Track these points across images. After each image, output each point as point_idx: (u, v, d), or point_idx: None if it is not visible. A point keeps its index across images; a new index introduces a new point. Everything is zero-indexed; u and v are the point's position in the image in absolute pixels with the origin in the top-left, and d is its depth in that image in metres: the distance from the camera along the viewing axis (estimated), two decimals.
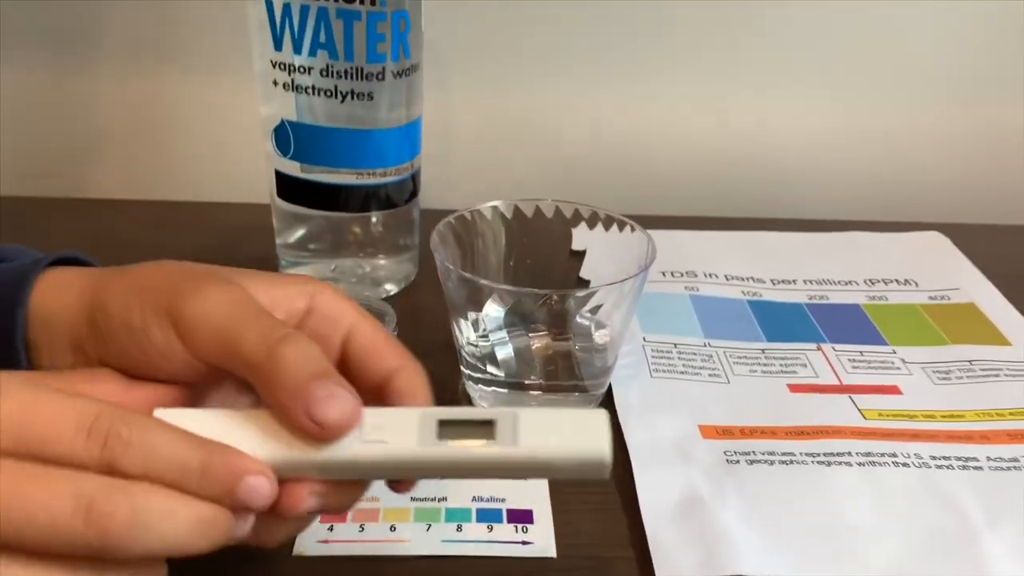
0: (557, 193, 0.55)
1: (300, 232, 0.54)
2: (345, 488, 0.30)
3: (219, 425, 0.29)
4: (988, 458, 0.43)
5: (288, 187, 0.52)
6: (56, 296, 0.31)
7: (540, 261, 0.49)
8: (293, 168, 0.51)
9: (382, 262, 0.56)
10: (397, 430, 0.29)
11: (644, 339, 0.51)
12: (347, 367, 0.31)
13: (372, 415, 0.29)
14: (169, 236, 0.62)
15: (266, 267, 0.55)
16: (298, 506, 0.28)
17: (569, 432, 0.29)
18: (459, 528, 0.38)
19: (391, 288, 0.56)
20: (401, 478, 0.32)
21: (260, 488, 0.27)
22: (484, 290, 0.41)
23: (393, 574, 0.36)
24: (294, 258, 0.55)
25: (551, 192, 0.63)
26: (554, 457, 0.29)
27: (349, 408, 0.28)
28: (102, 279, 0.31)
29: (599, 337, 0.43)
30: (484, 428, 0.29)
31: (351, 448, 0.29)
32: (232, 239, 0.62)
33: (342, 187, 0.51)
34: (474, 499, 0.39)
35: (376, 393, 0.31)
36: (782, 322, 0.54)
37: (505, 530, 0.38)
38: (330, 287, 0.33)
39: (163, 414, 0.29)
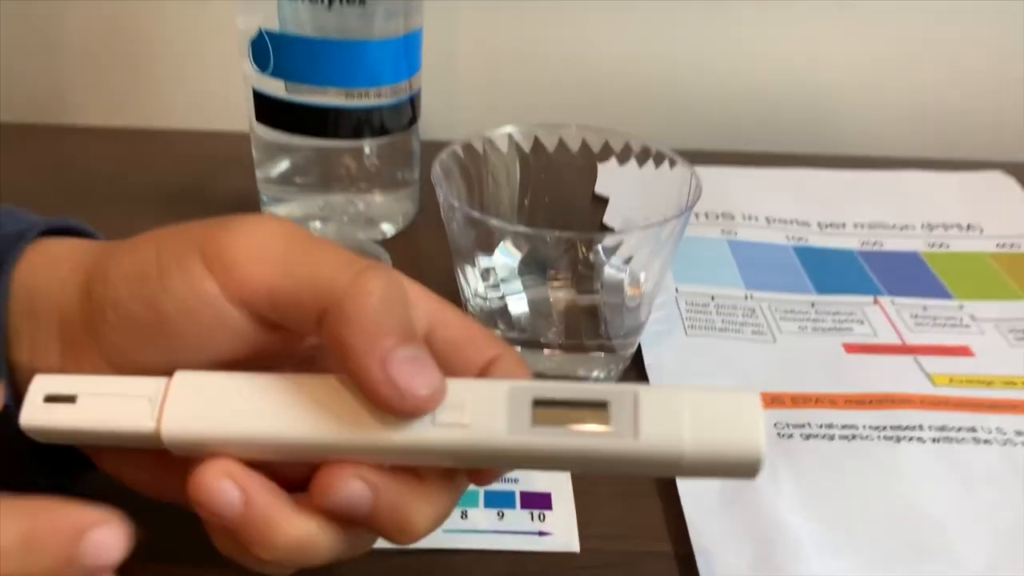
0: (580, 119, 0.48)
1: (284, 164, 0.47)
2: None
3: (243, 393, 0.23)
4: None
5: (268, 110, 0.45)
6: (45, 271, 0.24)
7: (561, 201, 0.42)
8: (274, 87, 0.44)
9: (377, 199, 0.49)
10: (482, 410, 0.23)
11: (677, 290, 0.45)
12: None
13: (450, 388, 0.23)
14: (139, 167, 0.55)
15: (246, 204, 0.50)
16: (333, 491, 0.22)
17: (708, 418, 0.23)
18: (464, 515, 0.32)
19: (388, 229, 0.49)
20: (483, 468, 0.25)
21: (107, 543, 0.19)
22: (495, 232, 0.34)
23: (382, 570, 0.30)
24: (277, 194, 0.48)
25: (572, 117, 0.57)
26: (688, 453, 0.22)
27: (437, 386, 0.22)
28: (108, 247, 0.25)
29: (631, 291, 0.37)
30: (594, 412, 0.23)
31: (419, 431, 0.23)
32: (208, 171, 0.55)
33: (330, 109, 0.44)
34: None
35: None
36: (833, 271, 0.48)
37: (518, 518, 0.32)
38: (391, 267, 0.26)
39: (183, 377, 0.23)
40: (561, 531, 0.31)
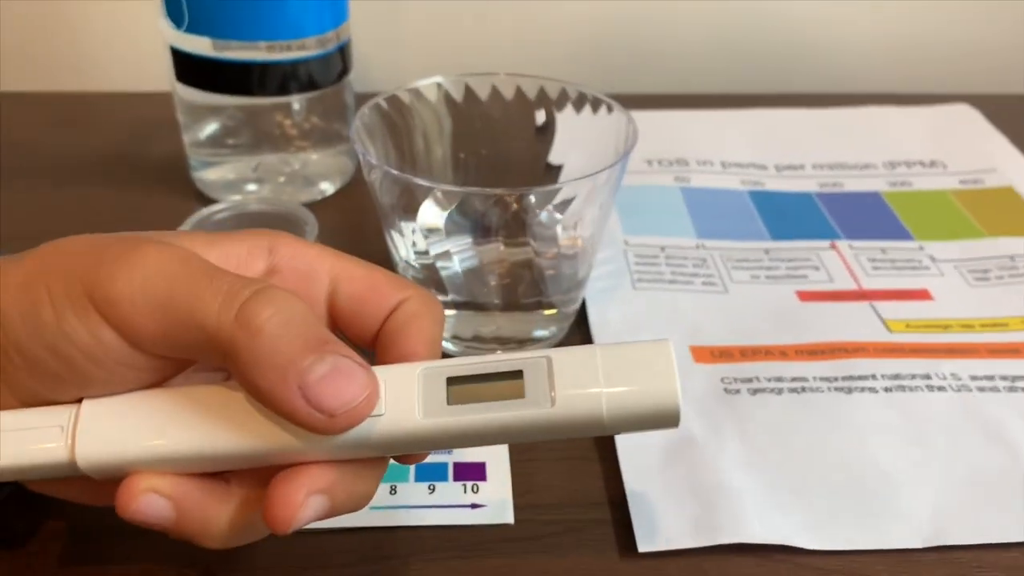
0: (523, 70, 0.45)
1: (212, 126, 0.45)
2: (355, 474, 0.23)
3: (151, 413, 0.22)
4: None
5: (188, 68, 0.42)
6: None
7: (498, 153, 0.40)
8: (194, 44, 0.41)
9: (313, 157, 0.47)
10: (396, 396, 0.22)
11: (626, 242, 0.43)
12: (338, 324, 0.25)
13: None
14: (63, 133, 0.53)
15: (176, 170, 0.48)
16: (293, 515, 0.22)
17: (622, 375, 0.22)
18: (393, 490, 0.30)
19: (327, 188, 0.47)
20: (404, 454, 0.24)
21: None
22: (419, 191, 0.32)
23: (303, 555, 0.28)
24: (207, 157, 0.46)
25: (516, 69, 0.54)
26: (607, 412, 0.22)
27: (365, 385, 0.21)
28: None
29: (567, 242, 0.35)
30: (509, 383, 0.22)
31: None
32: (134, 136, 0.52)
33: (253, 64, 0.41)
34: None
35: (375, 338, 0.24)
36: (789, 216, 0.46)
37: (451, 490, 0.30)
38: (289, 235, 0.25)
39: (90, 405, 0.22)
40: (495, 503, 0.30)
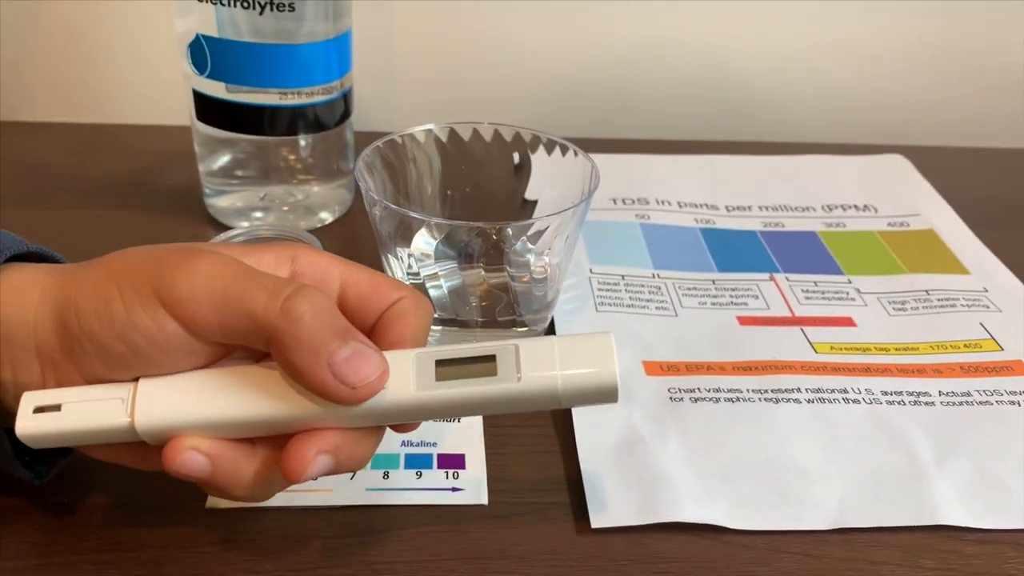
0: (505, 114, 0.51)
1: (225, 158, 0.51)
2: (356, 440, 0.28)
3: (197, 387, 0.28)
4: (940, 392, 0.42)
5: (208, 109, 0.48)
6: (14, 302, 0.28)
7: (481, 188, 0.46)
8: (213, 88, 0.47)
9: (315, 189, 0.52)
10: (394, 375, 0.28)
11: (591, 270, 0.49)
12: (345, 316, 0.29)
13: None
14: (87, 161, 0.58)
15: (189, 197, 0.53)
16: (304, 469, 0.27)
17: (574, 359, 0.28)
18: (385, 475, 0.36)
19: (326, 217, 0.53)
20: (401, 423, 0.30)
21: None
22: (413, 223, 0.38)
23: (311, 528, 0.33)
24: (219, 186, 0.51)
25: (499, 113, 0.60)
26: (560, 388, 0.28)
27: (380, 365, 0.27)
28: (67, 275, 0.28)
29: (538, 268, 0.41)
30: (484, 364, 0.28)
31: None
32: (153, 165, 0.58)
33: (266, 108, 0.47)
34: (403, 443, 0.37)
35: (373, 327, 0.30)
36: (735, 251, 0.52)
37: (435, 476, 0.36)
38: (307, 246, 0.31)
39: (146, 381, 0.28)
40: (472, 486, 0.36)
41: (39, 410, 0.28)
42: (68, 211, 0.52)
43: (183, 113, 0.50)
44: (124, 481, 0.32)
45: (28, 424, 0.27)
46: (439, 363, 0.28)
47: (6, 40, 0.63)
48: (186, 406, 0.28)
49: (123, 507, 0.33)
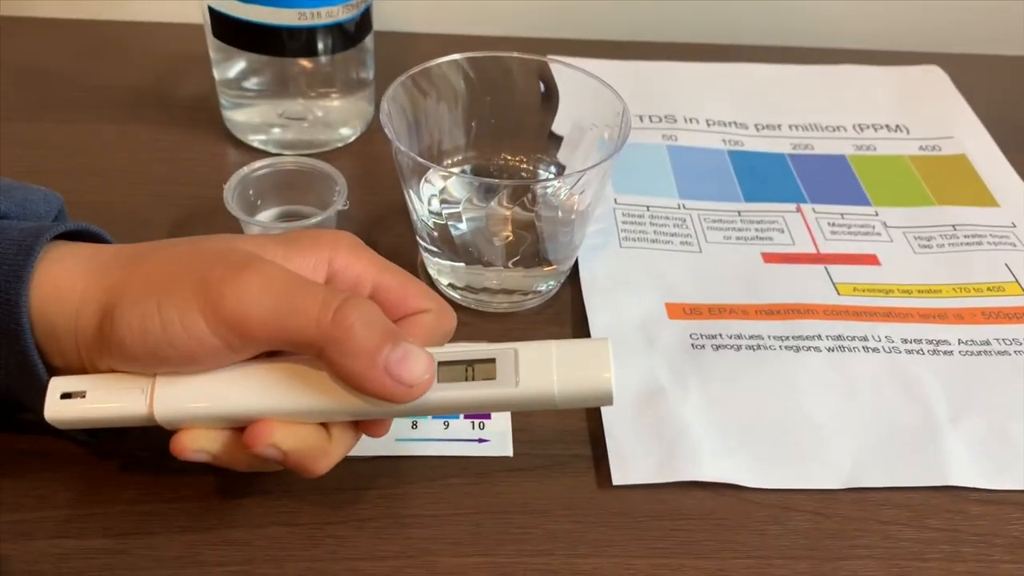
0: (519, 12, 0.49)
1: (240, 65, 0.49)
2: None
3: (211, 381, 0.29)
4: (960, 340, 0.42)
5: (223, 26, 0.46)
6: (55, 306, 0.29)
7: (508, 117, 0.45)
8: (230, 6, 0.45)
9: (335, 103, 0.51)
10: None
11: (616, 201, 0.48)
12: None
13: None
14: (94, 67, 0.56)
15: (204, 108, 0.52)
16: (260, 444, 0.29)
17: (571, 365, 0.29)
18: (414, 426, 0.37)
19: (347, 132, 0.52)
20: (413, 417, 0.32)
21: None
22: (432, 169, 0.37)
23: (342, 476, 0.35)
24: (236, 98, 0.50)
25: (514, 10, 0.58)
26: (556, 394, 0.29)
27: (428, 363, 0.29)
28: (106, 278, 0.29)
29: (565, 214, 0.40)
30: (484, 367, 0.29)
31: (347, 396, 0.29)
32: (166, 71, 0.56)
33: (283, 28, 0.45)
34: None
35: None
36: (762, 177, 0.51)
37: (462, 427, 0.37)
38: (345, 245, 0.31)
39: (164, 383, 0.29)
40: (498, 438, 0.37)
41: (65, 396, 0.29)
42: (80, 124, 0.51)
43: (195, 11, 0.48)
44: (163, 434, 0.33)
45: (55, 409, 0.29)
46: (440, 364, 0.29)
47: None
48: (202, 399, 0.29)
49: (162, 458, 0.35)
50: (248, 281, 0.27)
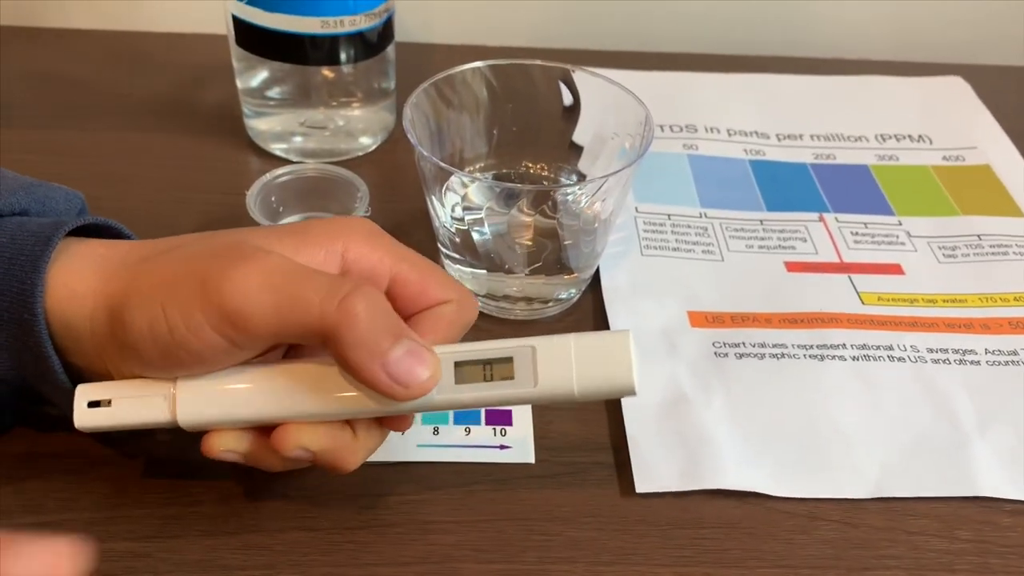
0: (540, 22, 0.49)
1: (263, 75, 0.49)
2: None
3: (232, 384, 0.29)
4: (987, 351, 0.41)
5: (247, 35, 0.46)
6: (69, 308, 0.29)
7: (529, 126, 0.45)
8: (254, 15, 0.45)
9: (356, 113, 0.51)
10: None
11: (636, 209, 0.48)
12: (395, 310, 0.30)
13: None
14: (117, 76, 0.56)
15: (227, 116, 0.52)
16: (287, 447, 0.29)
17: (590, 360, 0.29)
18: (435, 431, 0.36)
19: (368, 142, 0.52)
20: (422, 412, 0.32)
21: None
22: (455, 175, 0.37)
23: (363, 481, 0.35)
24: (258, 107, 0.50)
25: (534, 20, 0.58)
26: (576, 390, 0.29)
27: (432, 365, 0.28)
28: (115, 282, 0.29)
29: (587, 222, 0.40)
30: (502, 365, 0.29)
31: (367, 396, 0.29)
32: (189, 80, 0.56)
33: (305, 36, 0.45)
34: None
35: (410, 319, 0.31)
36: (784, 187, 0.51)
37: (483, 433, 0.37)
38: (360, 233, 0.30)
39: (183, 382, 0.29)
40: (520, 445, 0.36)
41: (92, 404, 0.30)
42: (106, 132, 0.52)
43: (219, 21, 0.48)
44: (184, 438, 0.33)
45: (83, 418, 0.30)
46: (457, 364, 0.29)
47: None
48: (222, 405, 0.29)
49: (184, 462, 0.35)
50: (246, 275, 0.27)
